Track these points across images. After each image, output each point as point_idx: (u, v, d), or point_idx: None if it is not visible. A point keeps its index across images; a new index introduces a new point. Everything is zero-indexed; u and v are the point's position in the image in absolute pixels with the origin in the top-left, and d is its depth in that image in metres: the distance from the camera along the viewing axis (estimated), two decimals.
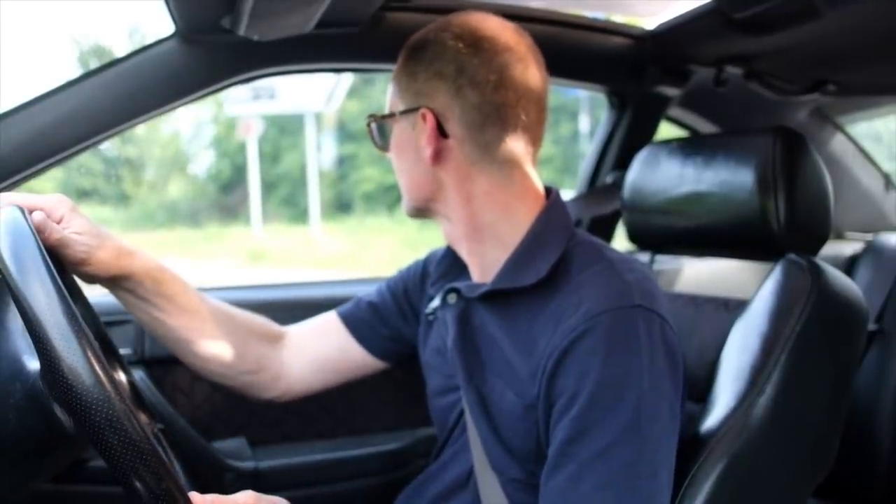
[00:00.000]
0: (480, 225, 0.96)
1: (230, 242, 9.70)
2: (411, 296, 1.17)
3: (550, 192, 0.99)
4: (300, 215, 10.77)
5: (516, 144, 0.95)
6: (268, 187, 10.80)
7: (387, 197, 10.48)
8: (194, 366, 1.08)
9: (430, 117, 0.94)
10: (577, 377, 0.81)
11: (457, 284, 0.99)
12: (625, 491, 0.77)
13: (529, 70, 0.95)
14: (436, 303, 1.05)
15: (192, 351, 1.06)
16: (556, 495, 0.80)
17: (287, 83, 9.30)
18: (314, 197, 10.40)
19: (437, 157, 0.95)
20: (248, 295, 1.49)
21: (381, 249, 8.90)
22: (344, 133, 10.99)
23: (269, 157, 10.88)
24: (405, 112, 0.97)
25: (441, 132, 0.94)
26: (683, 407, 0.90)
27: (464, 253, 1.01)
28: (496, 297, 0.94)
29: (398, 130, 0.99)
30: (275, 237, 10.12)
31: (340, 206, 10.94)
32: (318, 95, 9.77)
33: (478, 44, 0.93)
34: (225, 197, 11.06)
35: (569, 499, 0.79)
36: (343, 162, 11.02)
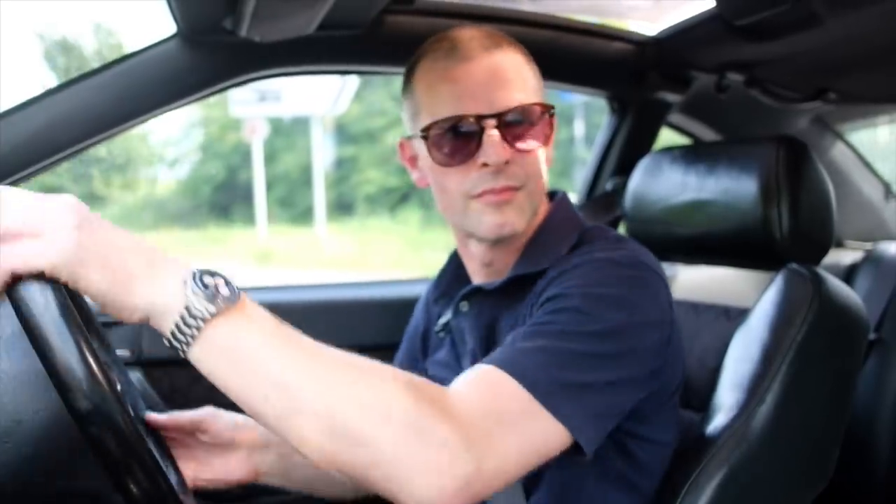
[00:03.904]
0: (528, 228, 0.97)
1: (235, 244, 9.66)
2: (426, 332, 1.16)
3: (556, 194, 1.02)
4: (297, 216, 10.72)
5: None
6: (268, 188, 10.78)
7: (388, 199, 10.49)
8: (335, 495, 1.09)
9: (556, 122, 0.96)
10: (563, 286, 0.83)
11: (475, 284, 0.99)
12: (558, 363, 0.76)
13: None
14: (447, 317, 1.04)
15: (327, 484, 1.06)
16: (501, 349, 0.80)
17: (293, 85, 9.28)
18: (320, 198, 10.40)
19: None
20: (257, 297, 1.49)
21: (388, 250, 8.91)
22: (343, 136, 10.95)
23: (266, 158, 10.85)
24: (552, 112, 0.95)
25: None
26: (669, 377, 0.88)
27: (511, 257, 0.97)
28: (512, 288, 0.94)
29: (550, 125, 0.95)
30: (279, 239, 10.09)
31: (341, 207, 10.92)
32: (324, 98, 9.76)
33: None
34: (217, 198, 10.98)
35: (507, 350, 0.79)
36: (342, 164, 10.99)
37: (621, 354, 0.79)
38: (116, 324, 1.29)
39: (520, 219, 0.92)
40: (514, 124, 0.90)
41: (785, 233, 0.99)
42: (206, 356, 0.61)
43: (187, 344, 0.60)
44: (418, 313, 1.18)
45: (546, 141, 0.94)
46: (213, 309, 0.60)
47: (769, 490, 0.90)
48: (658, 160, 1.20)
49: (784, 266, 1.01)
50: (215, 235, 9.87)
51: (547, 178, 0.96)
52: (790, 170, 0.99)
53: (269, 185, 10.41)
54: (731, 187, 1.04)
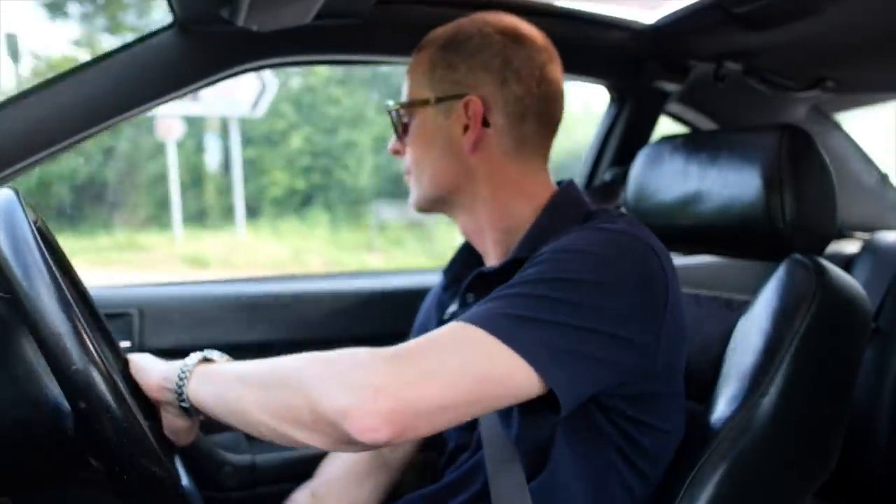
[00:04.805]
0: (507, 214, 0.98)
1: (156, 249, 8.84)
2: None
3: (562, 182, 1.03)
4: (186, 219, 10.03)
5: (546, 138, 1.00)
6: (142, 189, 10.22)
7: (292, 201, 10.32)
8: None
9: (477, 105, 0.95)
10: (543, 250, 0.84)
11: (476, 270, 0.99)
12: (509, 303, 0.77)
13: (559, 70, 1.00)
14: (453, 308, 1.05)
15: None
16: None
17: (211, 87, 9.02)
18: (239, 201, 9.92)
19: (476, 145, 0.96)
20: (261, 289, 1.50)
21: (317, 252, 8.82)
22: (242, 137, 10.52)
23: (145, 158, 10.29)
24: (441, 100, 0.97)
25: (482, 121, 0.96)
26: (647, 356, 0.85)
27: (488, 242, 1.02)
28: (511, 268, 0.93)
29: (425, 119, 0.99)
30: (200, 243, 9.25)
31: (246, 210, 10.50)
32: (243, 100, 9.46)
33: (521, 40, 0.97)
34: (75, 199, 10.34)
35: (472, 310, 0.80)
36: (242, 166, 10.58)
37: (583, 304, 0.77)
38: (118, 315, 1.29)
39: (411, 198, 1.04)
40: (399, 119, 1.01)
41: (788, 222, 0.98)
42: (197, 385, 0.84)
43: (187, 381, 0.84)
44: (426, 307, 1.18)
45: (419, 137, 0.99)
46: (196, 360, 0.86)
47: (772, 480, 0.90)
48: (659, 149, 1.19)
49: (787, 256, 1.01)
50: (126, 241, 9.40)
51: (439, 172, 0.99)
52: (793, 159, 0.98)
53: (149, 187, 9.89)
54: (734, 176, 1.04)
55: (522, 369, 0.74)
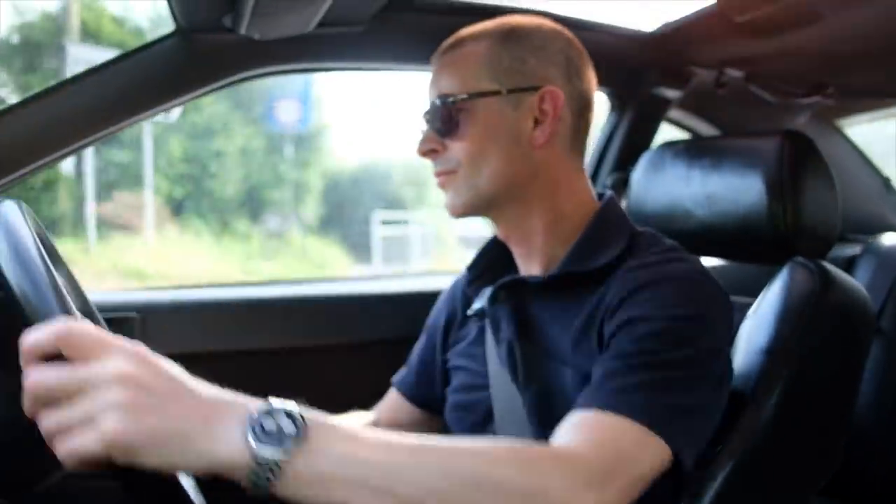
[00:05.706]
0: (559, 214, 0.97)
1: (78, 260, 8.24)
2: (448, 325, 1.15)
3: (602, 195, 1.03)
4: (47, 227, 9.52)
5: (587, 137, 1.01)
6: None
7: (168, 209, 10.15)
8: None
9: (558, 96, 0.94)
10: (640, 309, 0.82)
11: (517, 276, 0.98)
12: (663, 388, 0.76)
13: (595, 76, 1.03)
14: (481, 303, 1.03)
15: None
16: (597, 389, 0.78)
17: None
18: (150, 207, 9.76)
19: (549, 138, 0.94)
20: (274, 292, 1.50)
21: (229, 259, 8.93)
22: (112, 141, 10.11)
23: None
24: (512, 91, 0.93)
25: None
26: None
27: (534, 247, 0.98)
28: (558, 283, 0.93)
29: (489, 111, 0.94)
30: (113, 252, 8.92)
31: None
32: None
33: (573, 43, 1.00)
34: None
35: (606, 390, 0.77)
36: (110, 170, 9.91)
37: (711, 376, 0.81)
38: (119, 320, 1.29)
39: (456, 199, 0.96)
40: (441, 114, 0.94)
41: (790, 226, 0.99)
42: (296, 491, 0.57)
43: (269, 489, 0.56)
44: (441, 307, 1.17)
45: (482, 130, 0.93)
46: (282, 456, 0.56)
47: (777, 481, 0.90)
48: (661, 155, 1.20)
49: (789, 259, 1.02)
50: None
51: (504, 167, 0.93)
52: (795, 164, 0.99)
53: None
54: (736, 181, 1.04)
55: (669, 459, 0.75)
